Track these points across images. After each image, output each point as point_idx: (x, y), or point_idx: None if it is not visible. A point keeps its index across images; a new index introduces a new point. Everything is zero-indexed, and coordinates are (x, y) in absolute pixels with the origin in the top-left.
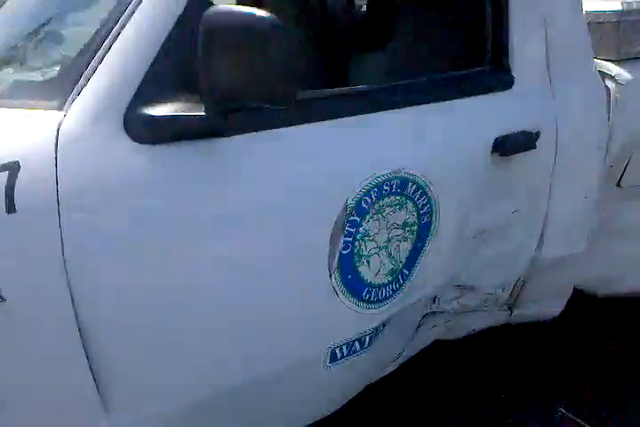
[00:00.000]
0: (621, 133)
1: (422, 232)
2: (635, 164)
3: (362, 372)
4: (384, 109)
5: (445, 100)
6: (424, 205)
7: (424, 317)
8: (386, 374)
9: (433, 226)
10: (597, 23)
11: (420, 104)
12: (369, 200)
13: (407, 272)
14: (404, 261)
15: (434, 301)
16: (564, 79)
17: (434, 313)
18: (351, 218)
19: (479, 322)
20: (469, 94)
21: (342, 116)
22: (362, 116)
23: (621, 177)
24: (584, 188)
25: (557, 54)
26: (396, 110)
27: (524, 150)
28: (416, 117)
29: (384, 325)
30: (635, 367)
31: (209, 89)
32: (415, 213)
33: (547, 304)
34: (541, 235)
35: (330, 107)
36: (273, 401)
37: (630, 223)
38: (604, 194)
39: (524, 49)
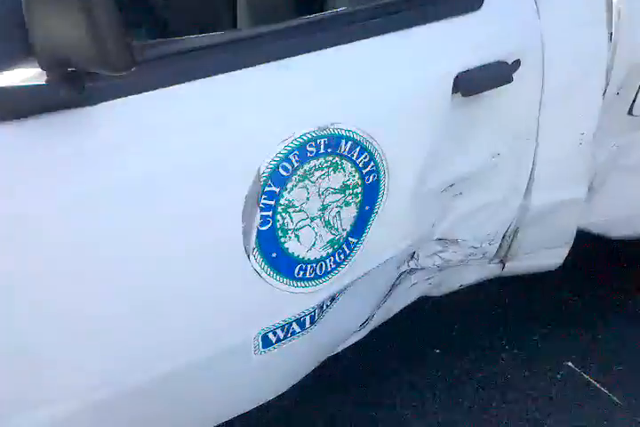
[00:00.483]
0: (628, 53)
1: (370, 193)
2: None
3: (306, 353)
4: (300, 53)
5: (386, 31)
6: (367, 164)
7: (401, 275)
8: (350, 344)
9: (383, 185)
10: None
11: (353, 40)
12: (289, 166)
13: (355, 240)
14: (348, 228)
15: (412, 257)
16: None
17: (413, 270)
18: (268, 189)
19: (467, 277)
20: (419, 22)
21: (241, 67)
22: (270, 64)
23: (633, 103)
24: (580, 124)
25: None
26: (318, 51)
27: (497, 86)
28: (348, 57)
29: (333, 299)
30: None
31: (40, 51)
32: (357, 174)
33: (545, 255)
34: (530, 180)
35: (224, 56)
36: (202, 390)
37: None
38: (613, 125)
39: None
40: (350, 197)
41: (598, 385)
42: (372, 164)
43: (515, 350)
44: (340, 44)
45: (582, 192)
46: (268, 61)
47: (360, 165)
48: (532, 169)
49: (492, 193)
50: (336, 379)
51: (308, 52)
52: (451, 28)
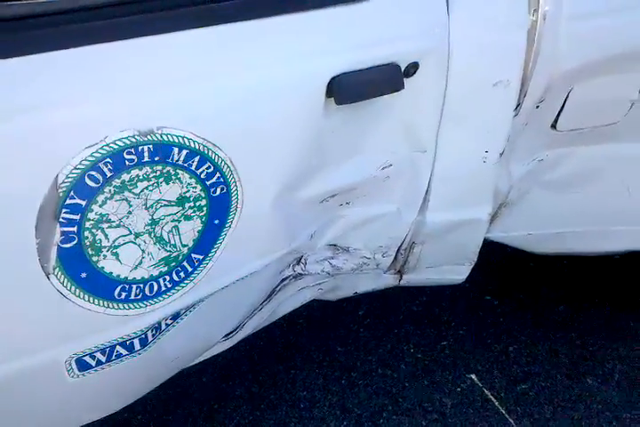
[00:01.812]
0: (550, 62)
1: (218, 206)
2: (575, 102)
3: (141, 373)
4: (120, 37)
5: (242, 19)
6: (210, 175)
7: (284, 280)
8: (217, 352)
9: (234, 197)
10: None
11: (194, 26)
12: (98, 176)
13: (201, 256)
14: (190, 244)
15: (299, 262)
16: None
17: (300, 275)
18: (70, 202)
19: (363, 284)
20: (283, 9)
21: (40, 51)
22: (79, 49)
23: (558, 117)
24: (485, 140)
25: None
26: (145, 37)
27: (384, 93)
28: (186, 47)
29: (177, 316)
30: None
31: None
32: (198, 186)
33: (446, 270)
34: (426, 196)
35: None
36: (12, 410)
37: (569, 173)
38: (534, 140)
39: None
40: (192, 211)
41: (497, 403)
42: (217, 175)
43: (419, 355)
44: (175, 29)
45: (485, 213)
46: (77, 46)
47: (202, 177)
48: (430, 185)
49: (384, 205)
50: (225, 372)
51: (131, 37)
52: (326, 20)
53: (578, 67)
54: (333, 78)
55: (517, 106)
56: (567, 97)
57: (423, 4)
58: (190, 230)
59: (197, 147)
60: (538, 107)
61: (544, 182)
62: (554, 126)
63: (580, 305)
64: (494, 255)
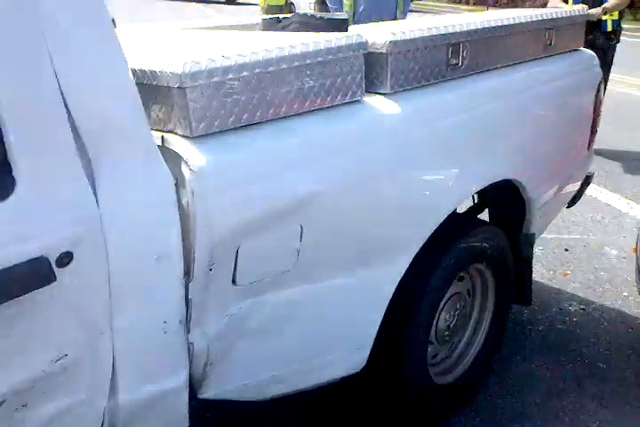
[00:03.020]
0: (206, 231)
1: None
2: (246, 258)
3: None
4: None
5: None
6: None
7: None
8: None
9: None
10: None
11: None
12: None
13: None
14: None
15: None
16: (108, 169)
17: None
18: None
19: None
20: None
21: None
22: None
23: (235, 272)
24: (161, 312)
25: (93, 135)
26: None
27: (32, 289)
28: None
29: None
30: None
31: None
32: None
33: None
34: (113, 378)
35: None
36: None
37: (264, 321)
38: (220, 297)
39: (28, 126)
40: None
41: None
42: None
43: None
44: None
45: (180, 380)
46: None
47: None
48: (114, 366)
49: (70, 397)
50: None
51: None
52: None
53: (235, 230)
54: None
55: (187, 274)
56: (237, 255)
57: (71, 197)
58: None
59: None
60: (211, 270)
61: (244, 333)
62: (234, 282)
63: None
64: None
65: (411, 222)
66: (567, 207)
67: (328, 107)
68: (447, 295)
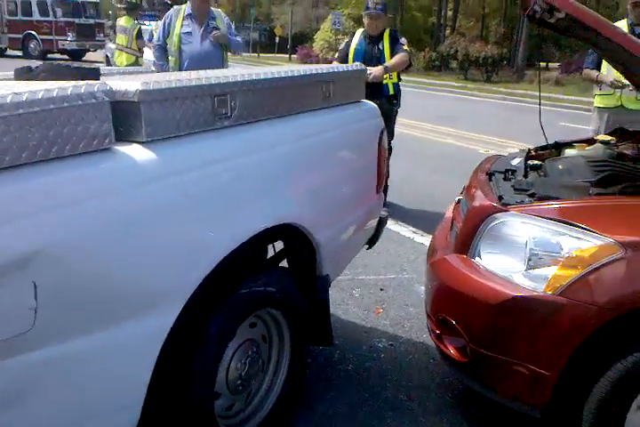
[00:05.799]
0: None
1: None
2: None
3: None
4: None
5: None
6: None
7: None
8: None
9: None
10: None
11: None
12: None
13: None
14: None
15: None
16: None
17: None
18: None
19: None
20: None
21: None
22: None
23: None
24: None
25: None
26: None
27: None
28: None
29: None
30: None
31: None
32: None
33: None
34: None
35: None
36: None
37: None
38: None
39: None
40: None
41: None
42: None
43: None
44: None
45: None
46: None
47: None
48: None
49: None
50: None
51: None
52: None
53: None
54: None
55: None
56: None
57: None
58: None
59: None
60: None
61: None
62: None
63: None
64: None
65: (171, 273)
66: (367, 248)
67: (72, 155)
68: (235, 343)
